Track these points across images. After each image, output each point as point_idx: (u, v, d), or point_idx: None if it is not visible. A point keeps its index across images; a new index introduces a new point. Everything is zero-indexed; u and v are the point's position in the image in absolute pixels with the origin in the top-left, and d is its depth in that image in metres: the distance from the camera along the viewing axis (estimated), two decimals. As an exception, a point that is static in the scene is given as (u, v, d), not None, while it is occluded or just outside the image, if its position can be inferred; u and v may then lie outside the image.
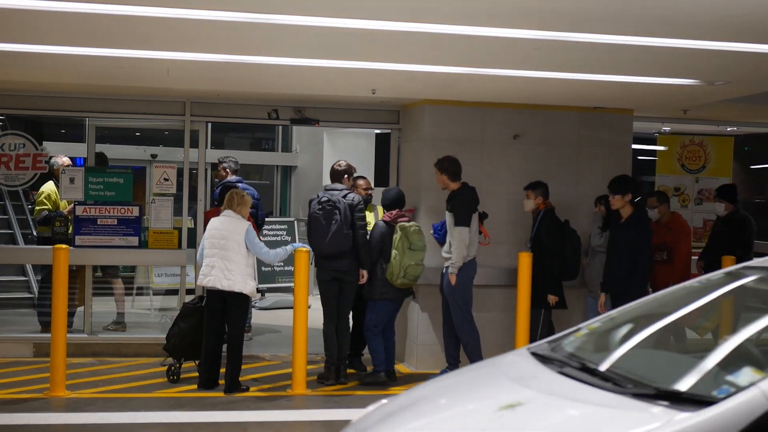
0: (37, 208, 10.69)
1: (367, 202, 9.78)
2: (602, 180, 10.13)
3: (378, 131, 13.77)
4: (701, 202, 11.70)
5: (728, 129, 12.24)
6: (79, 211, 10.20)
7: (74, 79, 9.12)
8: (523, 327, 9.17)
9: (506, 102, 9.91)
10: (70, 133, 15.89)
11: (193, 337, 9.10)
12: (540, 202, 9.40)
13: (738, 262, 9.22)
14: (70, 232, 10.36)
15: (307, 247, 8.99)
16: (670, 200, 9.92)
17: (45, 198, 10.59)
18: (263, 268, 14.00)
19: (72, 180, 10.25)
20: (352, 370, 9.62)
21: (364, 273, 9.24)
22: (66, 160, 10.63)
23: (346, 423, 7.71)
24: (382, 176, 11.55)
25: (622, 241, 8.88)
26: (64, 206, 10.57)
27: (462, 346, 9.33)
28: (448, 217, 9.11)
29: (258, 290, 13.25)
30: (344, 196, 9.19)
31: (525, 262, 9.12)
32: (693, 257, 10.16)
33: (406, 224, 9.09)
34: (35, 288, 12.12)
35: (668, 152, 11.69)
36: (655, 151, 11.94)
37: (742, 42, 6.50)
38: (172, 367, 9.17)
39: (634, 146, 10.71)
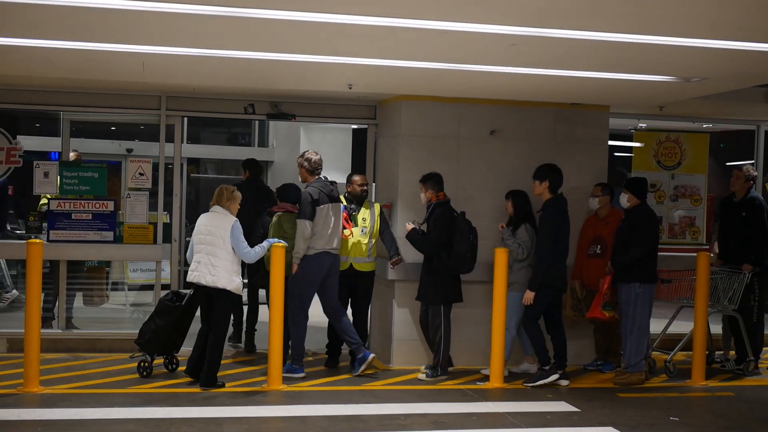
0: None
1: (363, 199, 9.77)
2: (578, 176, 10.19)
3: (355, 126, 13.76)
4: (677, 198, 11.74)
5: (704, 126, 12.29)
6: (54, 205, 10.13)
7: (49, 73, 9.03)
8: (499, 322, 9.17)
9: (483, 98, 9.91)
10: (44, 127, 15.75)
11: (169, 335, 9.10)
12: (432, 194, 9.39)
13: (641, 257, 9.29)
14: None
15: (283, 243, 8.93)
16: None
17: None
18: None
19: (46, 174, 10.17)
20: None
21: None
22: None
23: (322, 419, 7.73)
24: (359, 171, 11.51)
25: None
26: None
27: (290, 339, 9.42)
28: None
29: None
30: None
31: (501, 258, 9.13)
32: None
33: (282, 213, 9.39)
34: (8, 282, 12.03)
35: (644, 149, 11.72)
36: (631, 147, 11.97)
37: (718, 39, 6.53)
38: (144, 363, 9.13)
39: (611, 142, 10.73)
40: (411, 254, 9.62)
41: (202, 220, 8.84)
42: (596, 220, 9.92)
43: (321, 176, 9.47)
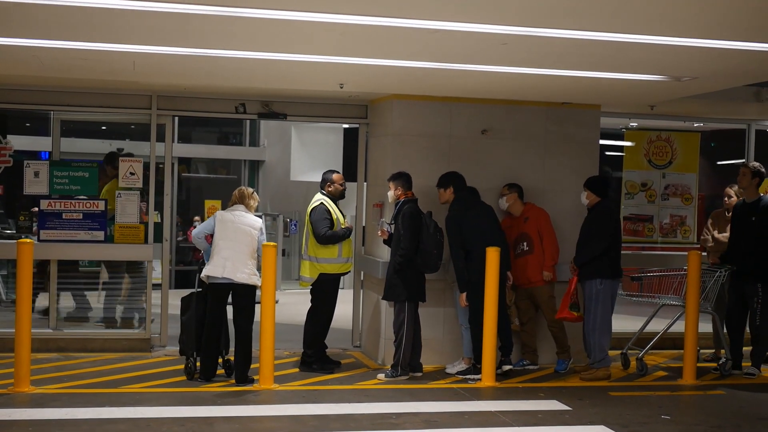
0: None
1: (341, 197, 9.73)
2: (570, 175, 10.20)
3: (346, 126, 13.76)
4: (668, 197, 11.77)
5: (695, 125, 12.31)
6: (44, 205, 10.09)
7: (39, 72, 9.01)
8: (491, 321, 9.16)
9: (474, 97, 9.91)
10: (34, 127, 15.73)
11: (197, 325, 9.08)
12: (401, 193, 9.38)
13: (601, 253, 9.32)
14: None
15: (274, 242, 8.96)
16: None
17: None
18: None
19: (36, 174, 10.14)
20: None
21: None
22: None
23: (314, 418, 7.72)
24: (350, 171, 11.53)
25: None
26: None
27: None
28: None
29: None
30: None
31: (493, 256, 9.12)
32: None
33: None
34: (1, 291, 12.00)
35: (635, 148, 11.74)
36: (622, 146, 11.99)
37: (709, 38, 6.54)
38: (188, 364, 9.10)
39: (602, 142, 10.75)
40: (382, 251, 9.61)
41: (229, 217, 8.93)
42: (514, 219, 9.90)
43: None
